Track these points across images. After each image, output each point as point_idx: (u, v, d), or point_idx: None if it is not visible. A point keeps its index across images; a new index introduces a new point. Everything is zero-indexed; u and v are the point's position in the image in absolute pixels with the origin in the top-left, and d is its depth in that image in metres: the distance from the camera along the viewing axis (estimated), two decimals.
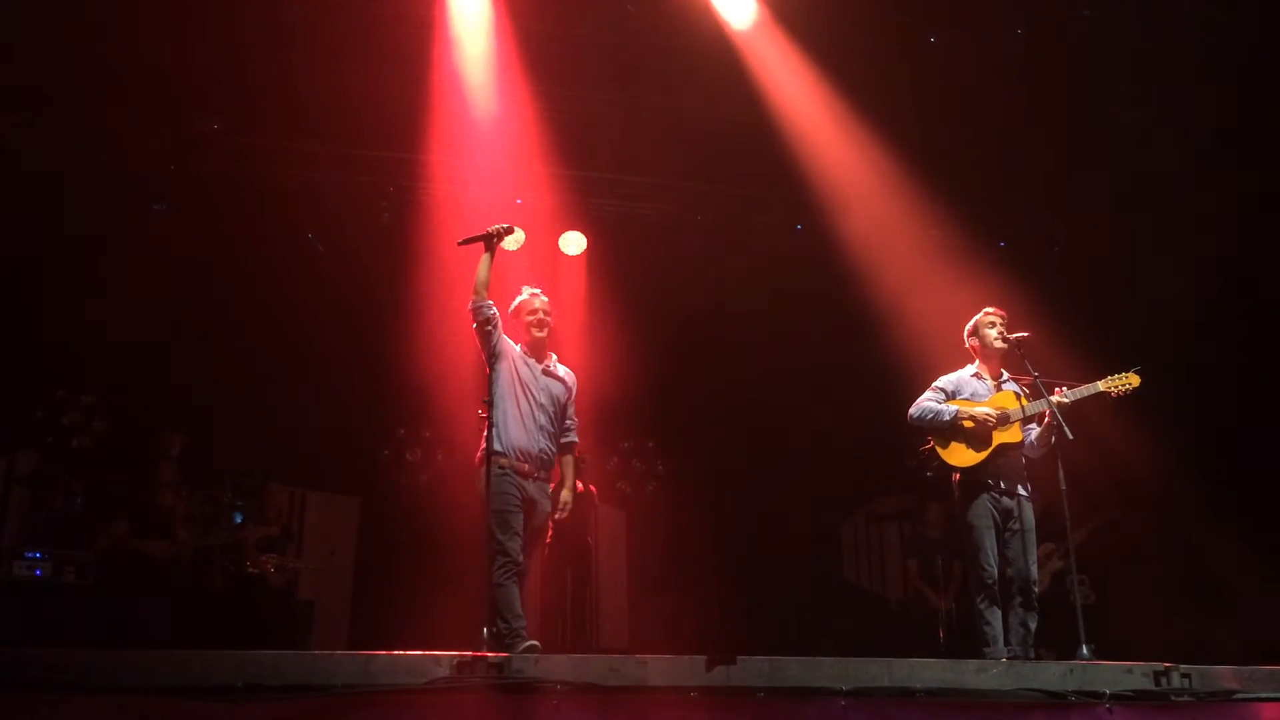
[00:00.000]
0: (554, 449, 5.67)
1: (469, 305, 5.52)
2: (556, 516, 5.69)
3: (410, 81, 8.00)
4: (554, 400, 5.66)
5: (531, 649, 4.97)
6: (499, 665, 4.20)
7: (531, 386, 5.59)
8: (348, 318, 8.60)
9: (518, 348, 5.67)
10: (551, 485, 5.68)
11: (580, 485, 5.84)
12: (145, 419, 8.12)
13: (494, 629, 5.20)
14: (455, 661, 4.16)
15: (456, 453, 8.73)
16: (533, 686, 4.15)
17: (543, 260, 9.01)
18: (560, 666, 4.32)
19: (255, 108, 8.10)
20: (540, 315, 5.72)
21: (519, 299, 5.80)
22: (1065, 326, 6.96)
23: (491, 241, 5.48)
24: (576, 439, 5.84)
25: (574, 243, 9.26)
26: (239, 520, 7.77)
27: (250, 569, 7.59)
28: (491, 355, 5.58)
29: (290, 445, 8.60)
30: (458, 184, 8.80)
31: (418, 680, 4.07)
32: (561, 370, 5.79)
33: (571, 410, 5.82)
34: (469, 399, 5.78)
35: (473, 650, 4.41)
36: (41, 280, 7.92)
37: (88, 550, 7.18)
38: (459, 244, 5.53)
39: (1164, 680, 4.57)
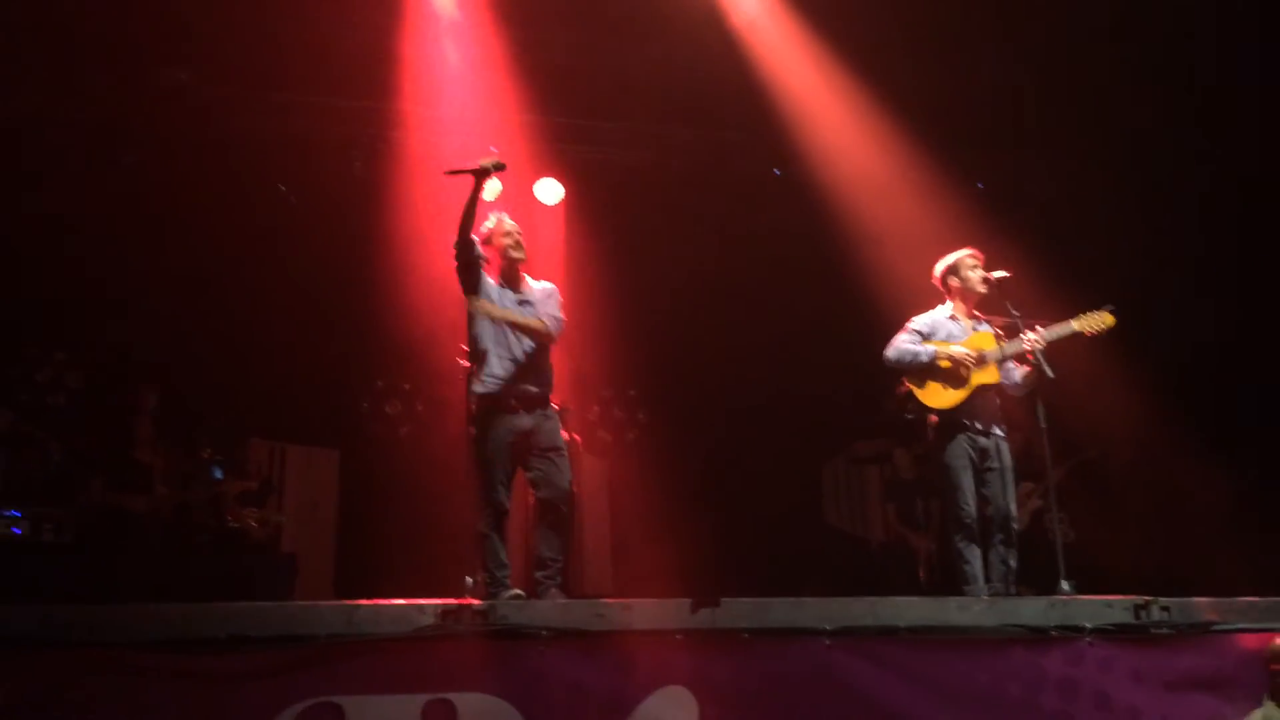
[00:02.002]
0: (549, 380, 5.57)
1: (455, 241, 5.44)
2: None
3: (382, 29, 7.90)
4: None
5: (516, 597, 4.99)
6: (484, 612, 4.22)
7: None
8: (322, 269, 8.50)
9: (491, 282, 5.59)
10: (555, 406, 5.59)
11: (565, 434, 5.79)
12: (120, 374, 8.04)
13: (478, 578, 5.22)
14: (440, 610, 4.18)
15: (436, 403, 8.73)
16: (518, 632, 4.17)
17: (519, 209, 8.89)
18: (545, 612, 4.36)
19: (224, 57, 7.95)
20: (516, 236, 5.64)
21: (488, 224, 5.67)
22: (1040, 266, 6.94)
23: (482, 176, 5.36)
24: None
25: (550, 191, 9.17)
26: (218, 475, 7.72)
27: (231, 523, 7.56)
28: (474, 292, 5.50)
29: (268, 399, 8.54)
30: (431, 132, 8.68)
31: (403, 629, 4.09)
32: (538, 293, 5.67)
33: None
34: (448, 348, 5.72)
35: (457, 598, 4.42)
36: (9, 237, 7.77)
37: (66, 507, 7.13)
38: (446, 173, 5.44)
39: (1144, 613, 4.65)
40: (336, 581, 8.53)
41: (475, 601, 4.42)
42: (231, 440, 8.06)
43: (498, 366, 5.45)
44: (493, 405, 5.41)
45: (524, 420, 5.42)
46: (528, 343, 5.51)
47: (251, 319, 8.34)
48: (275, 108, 8.39)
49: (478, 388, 5.45)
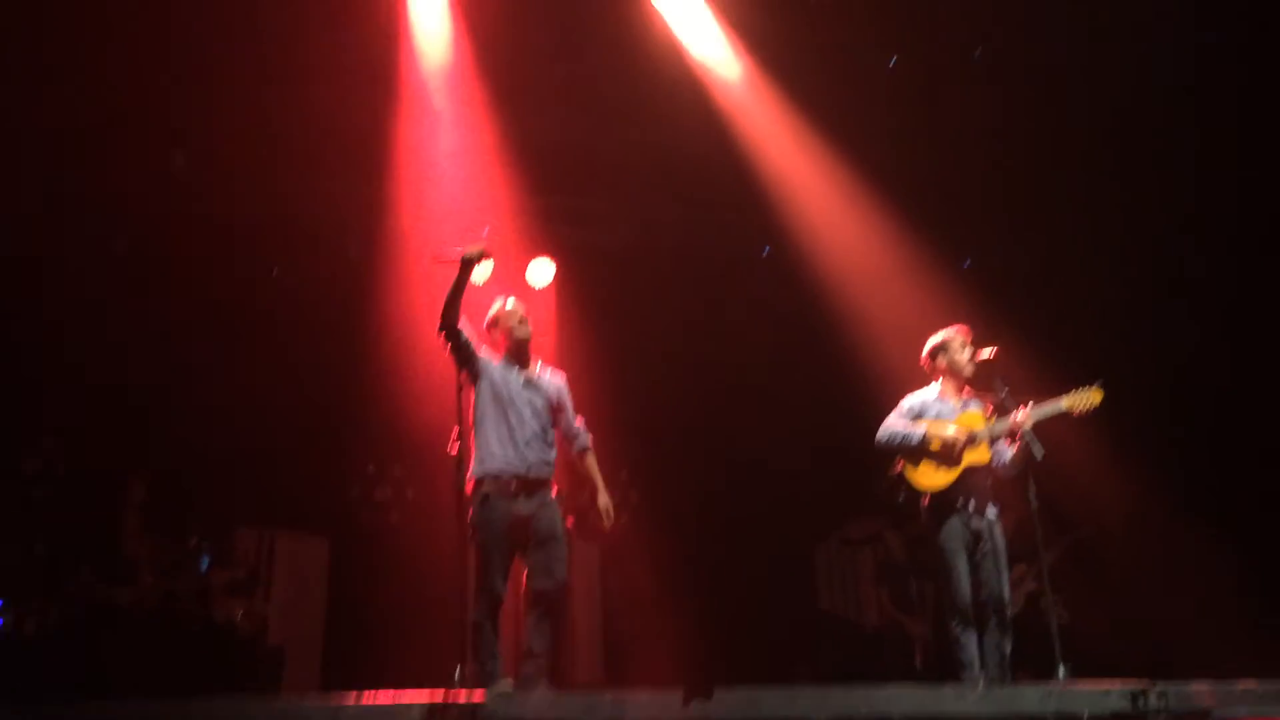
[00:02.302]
0: (550, 458, 5.55)
1: (438, 328, 5.45)
2: (607, 525, 5.64)
3: (376, 113, 7.99)
4: (541, 411, 5.57)
5: (505, 689, 4.91)
6: (472, 710, 4.14)
7: (516, 399, 5.51)
8: (314, 353, 8.51)
9: (496, 362, 5.60)
10: (554, 491, 5.56)
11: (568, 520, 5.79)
12: (108, 463, 7.98)
13: (467, 669, 5.15)
14: (428, 706, 4.10)
15: (427, 489, 8.67)
16: None
17: (511, 288, 8.97)
18: (535, 706, 4.28)
19: (220, 141, 8.04)
20: (521, 314, 5.68)
21: (495, 308, 5.74)
22: (1028, 344, 6.97)
23: (467, 264, 5.38)
24: (589, 443, 5.74)
25: (542, 271, 9.23)
26: (205, 564, 7.64)
27: (218, 614, 7.47)
28: (475, 374, 5.52)
29: (257, 486, 8.47)
30: (425, 215, 8.76)
31: None
32: (546, 376, 5.70)
33: (569, 418, 5.71)
34: (440, 433, 5.70)
35: (446, 689, 4.35)
36: None
37: (50, 599, 7.04)
38: (431, 260, 5.47)
39: (1141, 701, 4.56)
40: (324, 672, 8.40)
41: (464, 693, 4.34)
42: (219, 528, 7.99)
43: (499, 449, 5.43)
44: (492, 489, 5.38)
45: (524, 505, 5.39)
46: (531, 425, 5.50)
47: (241, 405, 8.32)
48: (270, 191, 8.46)
49: (477, 470, 5.43)
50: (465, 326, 5.50)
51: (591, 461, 5.75)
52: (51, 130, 7.63)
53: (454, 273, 5.39)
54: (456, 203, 8.73)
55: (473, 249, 5.40)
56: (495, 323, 5.71)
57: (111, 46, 7.20)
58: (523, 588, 5.67)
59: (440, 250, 5.53)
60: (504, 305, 5.75)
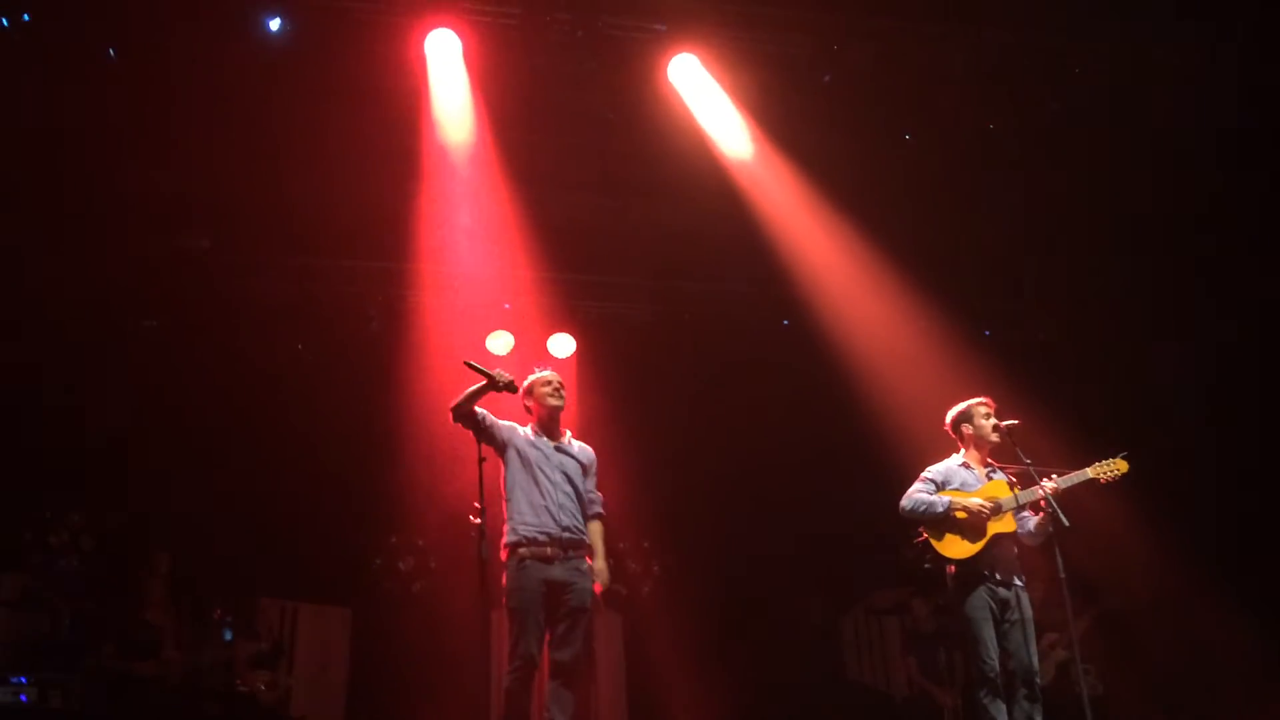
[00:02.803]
0: (583, 524, 5.60)
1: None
2: (598, 590, 5.58)
3: (397, 192, 8.12)
4: (572, 476, 5.62)
5: None
6: None
7: (544, 466, 5.56)
8: (337, 427, 8.58)
9: (526, 430, 5.65)
10: (588, 560, 5.59)
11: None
12: (133, 537, 8.01)
13: None
14: None
15: (450, 560, 8.66)
16: None
17: (532, 364, 9.05)
18: None
19: (243, 223, 8.19)
20: (555, 385, 5.75)
21: (530, 378, 5.82)
22: (1051, 414, 6.97)
23: (492, 384, 5.45)
24: (601, 510, 5.76)
25: (563, 345, 9.31)
26: (228, 637, 7.62)
27: (241, 687, 7.43)
28: (500, 446, 5.57)
29: (280, 557, 8.49)
30: (445, 291, 8.88)
31: None
32: (575, 447, 5.77)
33: (590, 484, 5.76)
34: (463, 505, 5.72)
35: None
36: (27, 400, 7.87)
37: (74, 673, 7.02)
38: (466, 364, 5.53)
39: None
40: None
41: None
42: (242, 600, 7.99)
43: (531, 515, 5.47)
44: (529, 554, 5.41)
45: (559, 571, 5.42)
46: (563, 489, 5.55)
47: (265, 477, 8.37)
48: (294, 271, 8.63)
49: (511, 537, 5.47)
50: (479, 409, 5.56)
51: (597, 527, 5.76)
52: (84, 209, 7.80)
53: (478, 381, 5.47)
54: (478, 278, 8.86)
55: (505, 377, 5.49)
56: (530, 391, 5.80)
57: (141, 130, 7.36)
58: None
59: (476, 360, 5.59)
60: (539, 374, 5.84)
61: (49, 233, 7.82)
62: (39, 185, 7.53)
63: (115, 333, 8.31)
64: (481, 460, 5.53)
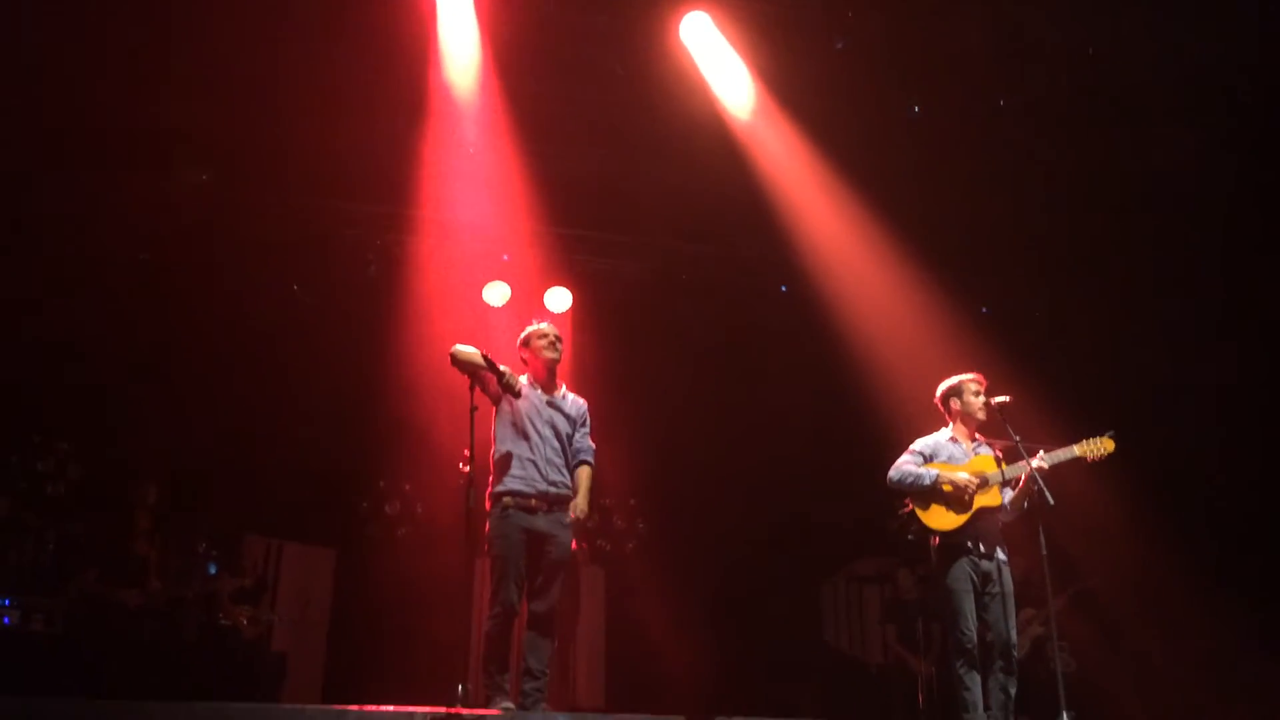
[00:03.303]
0: (570, 479, 5.64)
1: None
2: (572, 518, 5.60)
3: (400, 136, 8.06)
4: (560, 431, 5.65)
5: (506, 710, 4.92)
6: None
7: (536, 420, 5.60)
8: (331, 368, 8.58)
9: (521, 380, 5.67)
10: (571, 515, 5.62)
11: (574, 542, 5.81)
12: (121, 467, 8.03)
13: (469, 685, 5.15)
14: (429, 718, 4.11)
15: (436, 506, 8.70)
16: None
17: (528, 316, 9.05)
18: None
19: (245, 161, 8.13)
20: (551, 339, 5.78)
21: (528, 329, 5.86)
22: (1042, 391, 7.00)
23: (498, 378, 5.50)
24: (590, 459, 5.78)
25: (559, 299, 9.30)
26: (213, 571, 7.66)
27: (223, 620, 7.49)
28: (494, 396, 5.61)
29: (268, 496, 8.51)
30: (444, 238, 8.86)
31: None
32: (569, 400, 5.79)
33: (581, 434, 5.79)
34: (453, 452, 5.75)
35: (447, 706, 4.36)
36: (20, 327, 7.86)
37: (58, 598, 7.07)
38: (483, 356, 5.53)
39: None
40: (326, 683, 8.40)
41: (465, 710, 4.35)
42: (228, 536, 8.02)
43: (519, 467, 5.51)
44: (513, 503, 5.44)
45: (543, 522, 5.47)
46: (552, 444, 5.59)
47: (257, 415, 8.38)
48: (293, 211, 8.57)
49: (498, 487, 5.51)
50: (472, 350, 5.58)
51: (584, 472, 5.77)
52: (82, 140, 7.73)
53: (485, 368, 5.49)
54: (477, 228, 8.83)
55: (513, 379, 5.55)
56: (527, 342, 5.83)
57: (142, 61, 7.29)
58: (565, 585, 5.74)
59: (494, 355, 5.59)
60: (537, 326, 5.86)
61: (44, 162, 7.75)
62: (33, 113, 7.44)
63: (110, 264, 8.26)
64: (473, 409, 5.56)
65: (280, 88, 7.55)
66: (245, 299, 8.51)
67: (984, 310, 9.27)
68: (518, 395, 5.59)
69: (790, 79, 7.95)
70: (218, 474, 8.30)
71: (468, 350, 5.54)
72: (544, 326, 5.86)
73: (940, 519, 5.78)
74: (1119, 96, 7.83)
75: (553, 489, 5.54)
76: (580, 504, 5.65)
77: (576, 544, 6.00)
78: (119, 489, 7.72)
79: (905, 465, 5.91)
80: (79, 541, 7.43)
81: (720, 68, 7.96)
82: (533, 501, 5.47)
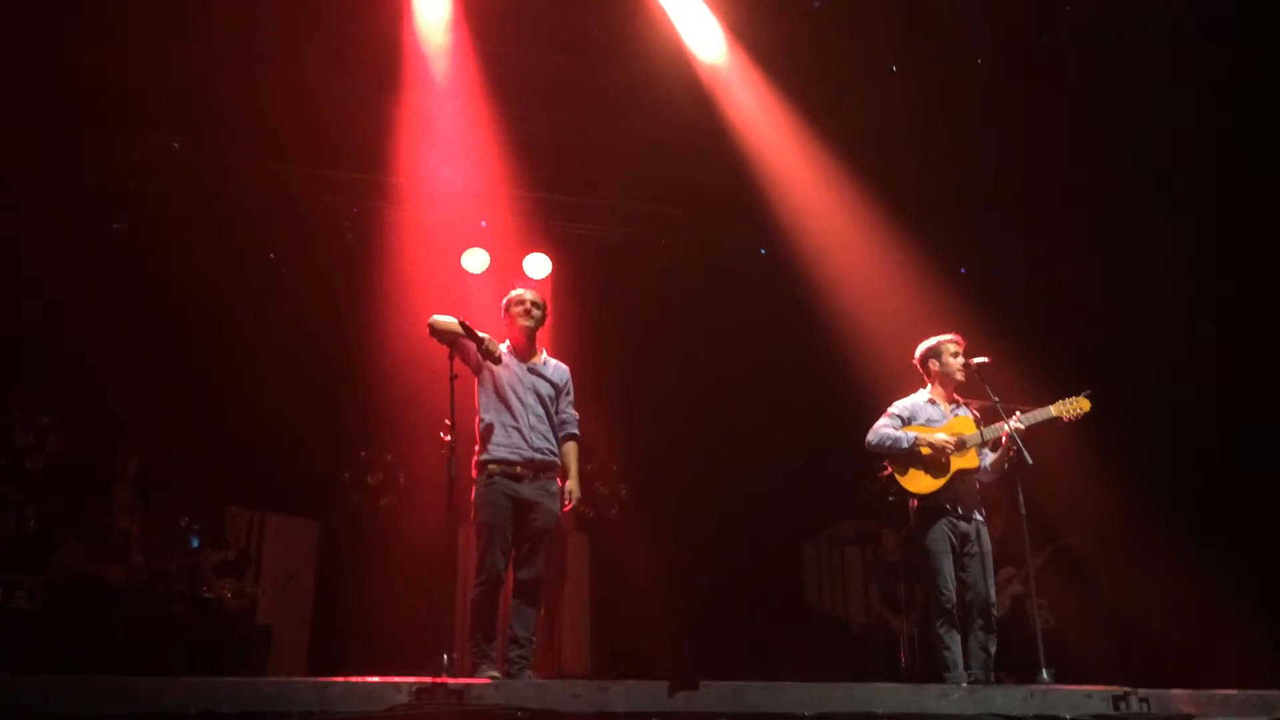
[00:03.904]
0: (554, 445, 5.65)
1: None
2: (567, 507, 5.64)
3: (375, 102, 7.99)
4: (545, 397, 5.65)
5: (493, 679, 4.94)
6: (459, 692, 4.15)
7: (517, 387, 5.59)
8: (310, 338, 8.53)
9: (502, 348, 5.65)
10: (559, 482, 5.65)
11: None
12: (102, 440, 7.99)
13: (455, 655, 5.18)
14: (415, 688, 4.12)
15: (419, 475, 8.69)
16: (493, 713, 4.12)
17: (507, 283, 9.01)
18: (521, 692, 4.29)
19: (218, 126, 8.03)
20: (528, 305, 5.75)
21: (509, 295, 5.84)
22: (1020, 351, 7.02)
23: (478, 344, 5.48)
24: (576, 430, 5.79)
25: (538, 265, 9.26)
26: (196, 544, 7.65)
27: (206, 594, 7.49)
28: (475, 366, 5.60)
29: (250, 468, 8.49)
30: (423, 206, 8.79)
31: (376, 708, 4.01)
32: (550, 366, 5.78)
33: (565, 403, 5.79)
34: (434, 420, 5.73)
35: (433, 676, 4.37)
36: None
37: (39, 573, 7.05)
38: (461, 324, 5.50)
39: (1122, 704, 4.61)
40: (311, 655, 8.44)
41: (450, 680, 4.36)
42: (211, 509, 8.00)
43: (503, 435, 5.51)
44: (498, 471, 5.45)
45: (528, 489, 5.48)
46: (535, 410, 5.59)
47: (235, 386, 8.33)
48: (269, 177, 8.49)
49: (483, 455, 5.51)
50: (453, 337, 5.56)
51: (572, 448, 5.79)
52: (50, 109, 7.62)
53: (464, 336, 5.47)
54: (454, 194, 8.77)
55: (493, 346, 5.53)
56: (506, 308, 5.80)
57: (111, 22, 7.17)
58: (550, 553, 5.76)
59: (473, 324, 5.55)
60: (515, 293, 5.85)
61: (12, 127, 7.63)
62: (3, 73, 7.32)
63: (84, 233, 8.17)
64: (453, 377, 5.54)
65: (252, 51, 7.47)
66: (221, 268, 8.41)
67: (962, 271, 9.27)
68: (498, 362, 5.58)
69: (767, 39, 7.89)
70: (198, 446, 8.26)
71: (446, 320, 5.53)
72: (522, 293, 5.84)
73: (918, 482, 5.81)
74: (1098, 53, 7.80)
75: (538, 455, 5.55)
76: (572, 485, 5.67)
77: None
78: (100, 462, 7.69)
79: (883, 429, 5.93)
80: (60, 516, 7.40)
81: (696, 28, 7.89)
82: (518, 469, 5.49)
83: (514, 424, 5.54)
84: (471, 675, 5.27)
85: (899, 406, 6.01)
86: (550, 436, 5.64)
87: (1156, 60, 7.64)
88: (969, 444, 5.79)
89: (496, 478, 5.45)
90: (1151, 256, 8.57)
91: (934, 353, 6.06)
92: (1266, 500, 7.98)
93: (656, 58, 7.89)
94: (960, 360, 5.97)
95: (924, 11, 7.66)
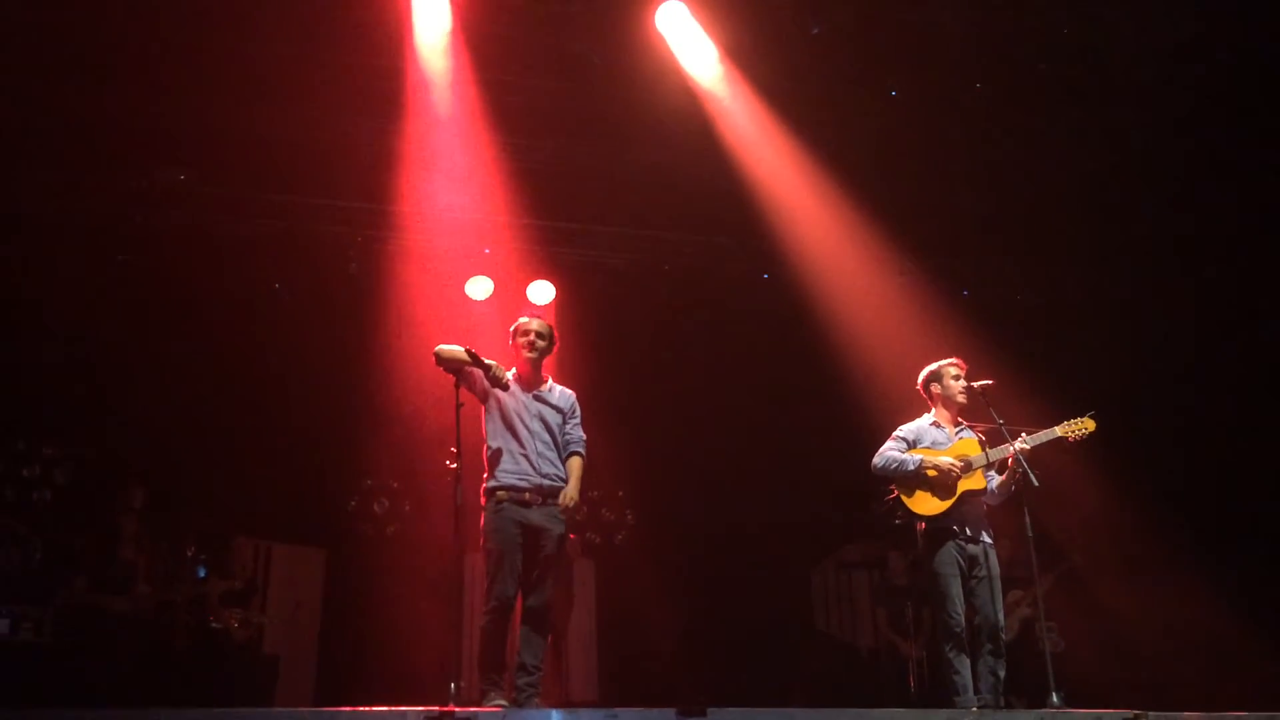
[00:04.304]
0: (563, 472, 5.66)
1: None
2: (561, 507, 5.61)
3: (378, 132, 8.02)
4: (550, 425, 5.67)
5: (501, 707, 4.94)
6: None
7: (524, 414, 5.61)
8: (315, 367, 8.55)
9: (508, 375, 5.67)
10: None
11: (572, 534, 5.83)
12: (107, 472, 7.99)
13: (462, 683, 5.17)
14: (422, 717, 4.11)
15: (424, 503, 8.69)
16: None
17: (511, 310, 9.04)
18: None
19: (222, 159, 8.07)
20: (531, 338, 5.77)
21: (516, 323, 5.89)
22: (1024, 373, 7.03)
23: (485, 371, 5.53)
24: (581, 450, 5.79)
25: (542, 292, 9.28)
26: (202, 574, 7.64)
27: (213, 624, 7.47)
28: (481, 395, 5.63)
29: (256, 497, 8.49)
30: (426, 234, 8.82)
31: None
32: (556, 393, 5.81)
33: (571, 425, 5.79)
34: (439, 448, 5.75)
35: (440, 705, 4.36)
36: (2, 330, 7.81)
37: (46, 606, 7.04)
38: (467, 352, 5.53)
39: None
40: (318, 684, 8.42)
41: (458, 709, 4.36)
42: (217, 538, 7.99)
43: (510, 463, 5.53)
44: (507, 497, 5.46)
45: (537, 515, 5.49)
46: (542, 438, 5.61)
47: (242, 416, 8.35)
48: (272, 208, 8.52)
49: (491, 483, 5.54)
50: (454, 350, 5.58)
51: (576, 462, 5.78)
52: (58, 139, 7.67)
53: (470, 364, 5.50)
54: (458, 222, 8.80)
55: (501, 372, 5.56)
56: (514, 337, 5.83)
57: (115, 58, 7.22)
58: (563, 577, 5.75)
59: (479, 351, 5.58)
60: (521, 322, 5.88)
61: (17, 161, 7.68)
62: (4, 113, 7.37)
63: (90, 265, 8.20)
64: (459, 405, 5.57)
65: (255, 84, 7.50)
66: (226, 299, 8.46)
67: (964, 294, 9.28)
68: (505, 388, 5.61)
69: (767, 66, 7.92)
70: (204, 476, 8.27)
71: (452, 349, 5.56)
72: (528, 323, 5.86)
73: (925, 504, 5.81)
74: (1097, 79, 7.84)
75: (546, 481, 5.56)
76: (570, 492, 5.66)
77: (573, 535, 5.97)
78: (106, 494, 7.69)
79: (889, 451, 5.93)
80: (67, 549, 7.40)
81: (697, 56, 7.92)
82: (526, 495, 5.51)
83: (521, 451, 5.57)
84: (479, 703, 5.26)
85: (904, 430, 6.02)
86: (557, 462, 5.66)
87: (1156, 80, 7.66)
88: (975, 466, 5.80)
89: (505, 504, 5.47)
90: (1154, 276, 8.58)
91: (935, 377, 6.08)
92: (1276, 521, 7.94)
93: (657, 84, 7.92)
94: (962, 383, 5.98)
95: (923, 36, 7.69)
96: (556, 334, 6.00)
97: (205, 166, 8.19)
